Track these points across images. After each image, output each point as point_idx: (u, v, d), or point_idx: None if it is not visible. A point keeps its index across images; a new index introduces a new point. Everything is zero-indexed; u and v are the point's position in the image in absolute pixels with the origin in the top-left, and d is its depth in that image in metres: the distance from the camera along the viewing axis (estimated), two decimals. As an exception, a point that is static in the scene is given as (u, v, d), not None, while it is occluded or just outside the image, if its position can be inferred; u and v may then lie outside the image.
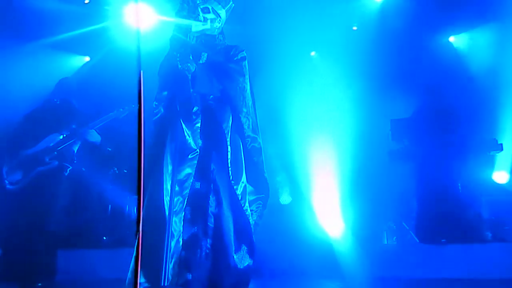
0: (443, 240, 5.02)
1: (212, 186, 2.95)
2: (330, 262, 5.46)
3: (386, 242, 6.09)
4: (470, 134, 5.44)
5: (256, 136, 3.20)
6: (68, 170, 4.54)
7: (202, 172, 2.94)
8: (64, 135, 4.58)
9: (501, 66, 5.62)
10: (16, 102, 4.91)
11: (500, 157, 5.72)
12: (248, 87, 3.23)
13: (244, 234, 2.97)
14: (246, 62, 3.23)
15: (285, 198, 6.19)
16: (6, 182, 4.34)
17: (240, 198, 2.99)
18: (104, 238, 5.48)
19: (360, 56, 6.11)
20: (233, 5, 3.31)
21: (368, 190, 6.00)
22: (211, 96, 3.14)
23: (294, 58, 6.37)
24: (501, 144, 5.57)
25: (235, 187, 2.97)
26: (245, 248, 2.97)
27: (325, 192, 6.00)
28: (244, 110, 3.15)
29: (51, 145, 4.51)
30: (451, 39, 6.25)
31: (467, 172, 5.36)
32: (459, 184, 5.32)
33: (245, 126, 3.14)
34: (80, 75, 5.98)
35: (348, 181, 6.02)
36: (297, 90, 6.25)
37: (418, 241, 5.45)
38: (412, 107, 5.96)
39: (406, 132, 5.83)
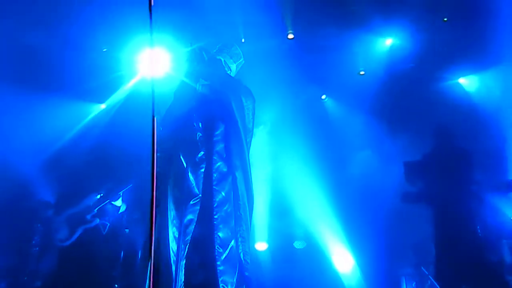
0: (464, 286, 4.83)
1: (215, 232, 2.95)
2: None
3: (405, 289, 5.87)
4: (486, 176, 5.36)
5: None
6: (107, 227, 5.09)
7: (204, 218, 2.98)
8: (101, 194, 5.14)
9: (512, 107, 5.61)
10: (37, 147, 5.15)
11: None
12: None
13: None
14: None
15: (299, 243, 6.08)
16: (56, 239, 4.91)
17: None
18: (116, 286, 5.45)
19: (370, 99, 6.17)
20: (244, 62, 3.48)
21: (383, 234, 5.86)
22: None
23: (306, 100, 6.45)
24: (517, 185, 5.46)
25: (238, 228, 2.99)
26: None
27: (340, 237, 5.89)
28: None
29: (91, 204, 5.06)
30: (461, 80, 6.29)
31: (485, 215, 5.23)
32: (478, 227, 5.19)
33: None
34: (96, 122, 6.12)
35: (363, 225, 5.91)
36: (309, 132, 6.29)
37: (438, 287, 5.26)
38: (424, 149, 5.94)
39: (420, 175, 5.76)
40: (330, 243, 5.90)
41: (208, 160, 3.07)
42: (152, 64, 3.20)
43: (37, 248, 5.08)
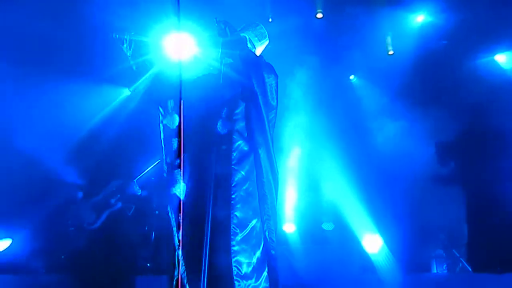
0: (498, 268, 4.73)
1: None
2: (376, 291, 5.30)
3: (435, 271, 5.81)
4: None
5: None
6: (132, 209, 5.44)
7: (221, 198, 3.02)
8: (123, 181, 5.47)
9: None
10: (66, 130, 5.33)
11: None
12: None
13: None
14: None
15: (328, 225, 6.09)
16: (85, 223, 5.27)
17: None
18: (148, 265, 5.61)
19: (400, 78, 6.02)
20: (268, 42, 3.41)
21: (414, 216, 5.79)
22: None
23: (334, 81, 6.36)
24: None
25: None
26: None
27: (370, 219, 5.86)
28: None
29: (114, 189, 5.43)
30: (497, 57, 6.04)
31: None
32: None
33: None
34: (123, 107, 6.22)
35: (393, 206, 5.84)
36: (337, 113, 6.21)
37: (470, 269, 5.18)
38: (456, 129, 5.78)
39: (453, 155, 5.63)
40: (359, 224, 5.88)
41: (228, 139, 3.02)
42: (178, 48, 3.20)
43: (72, 228, 5.32)
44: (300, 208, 6.08)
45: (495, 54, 6.03)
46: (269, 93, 3.08)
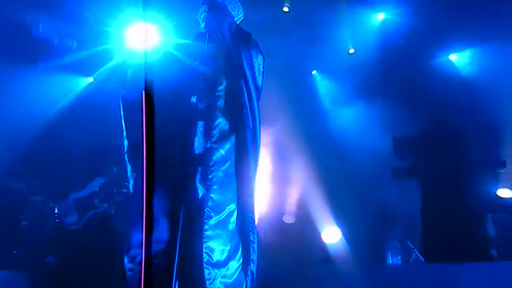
0: (448, 259, 4.96)
1: None
2: (332, 282, 5.42)
3: (390, 262, 6.02)
4: (474, 151, 5.43)
5: None
6: (113, 209, 5.12)
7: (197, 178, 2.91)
8: (107, 179, 5.15)
9: (502, 84, 5.64)
10: (22, 122, 5.02)
11: (504, 173, 5.70)
12: None
13: None
14: None
15: (288, 217, 6.16)
16: (66, 223, 4.97)
17: None
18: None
19: (361, 74, 6.15)
20: (243, 18, 3.27)
21: (371, 208, 5.96)
22: None
23: (295, 75, 6.40)
24: (505, 161, 5.56)
25: None
26: None
27: (327, 210, 5.96)
28: None
29: (97, 189, 5.11)
30: (451, 57, 6.30)
31: (473, 190, 5.33)
32: (465, 202, 5.30)
33: None
34: (84, 96, 6.01)
35: (351, 199, 5.99)
36: (298, 107, 6.27)
37: (423, 260, 5.40)
38: (414, 125, 5.98)
39: (410, 150, 5.83)
40: (319, 216, 5.97)
41: (206, 114, 2.81)
42: (143, 37, 3.08)
43: (25, 223, 5.06)
44: (262, 200, 6.11)
45: (450, 54, 6.28)
46: (256, 73, 2.97)
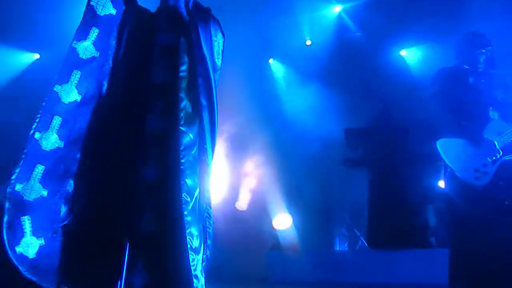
0: (392, 246, 5.20)
1: None
2: (281, 268, 5.55)
3: (338, 249, 6.23)
4: (419, 144, 5.68)
5: None
6: None
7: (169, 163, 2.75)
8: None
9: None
10: None
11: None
12: None
13: None
14: None
15: (240, 205, 6.21)
16: None
17: None
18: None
19: (316, 64, 6.25)
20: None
21: (321, 197, 6.12)
22: None
23: (252, 63, 6.39)
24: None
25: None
26: None
27: (277, 197, 6.05)
28: None
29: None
30: (403, 52, 6.52)
31: (415, 181, 5.59)
32: (408, 193, 5.55)
33: None
34: (30, 74, 5.69)
35: (301, 187, 6.12)
36: (254, 94, 6.28)
37: (367, 246, 5.63)
38: (365, 116, 6.17)
39: (360, 141, 6.02)
40: (271, 203, 6.06)
41: (169, 93, 2.61)
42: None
43: None
44: (216, 186, 6.11)
45: (401, 49, 6.51)
46: (215, 53, 2.78)
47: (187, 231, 2.39)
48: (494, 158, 3.28)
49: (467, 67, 3.55)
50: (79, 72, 2.52)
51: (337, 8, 6.46)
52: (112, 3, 2.72)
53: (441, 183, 5.97)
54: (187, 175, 2.48)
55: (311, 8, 6.37)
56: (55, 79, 2.49)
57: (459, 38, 3.73)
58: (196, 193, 2.52)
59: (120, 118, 2.60)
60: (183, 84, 2.64)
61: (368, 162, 5.86)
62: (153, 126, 2.54)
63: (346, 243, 6.18)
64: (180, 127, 2.54)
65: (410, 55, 6.48)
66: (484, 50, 3.50)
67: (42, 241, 2.32)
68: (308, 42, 6.49)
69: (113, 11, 2.72)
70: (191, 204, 2.45)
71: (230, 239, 5.39)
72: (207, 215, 2.56)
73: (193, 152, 2.56)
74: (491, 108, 3.48)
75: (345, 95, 6.09)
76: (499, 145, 3.30)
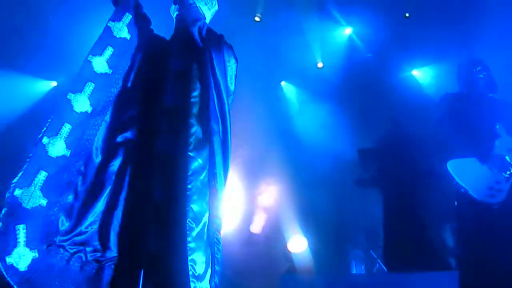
0: (410, 269, 5.09)
1: None
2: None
3: (354, 272, 6.12)
4: (433, 163, 5.62)
5: None
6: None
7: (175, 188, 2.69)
8: None
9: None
10: None
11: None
12: None
13: None
14: None
15: (255, 228, 6.17)
16: None
17: None
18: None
19: (328, 87, 6.28)
20: (218, 9, 3.21)
21: (336, 218, 6.06)
22: None
23: (264, 85, 6.45)
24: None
25: None
26: None
27: (291, 219, 6.01)
28: None
29: None
30: (414, 72, 6.53)
31: (432, 200, 5.51)
32: (425, 212, 5.47)
33: None
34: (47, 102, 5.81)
35: (315, 209, 6.06)
36: (267, 116, 6.31)
37: (386, 269, 5.52)
38: (378, 136, 6.15)
39: (374, 161, 5.98)
40: (285, 226, 6.01)
41: (180, 119, 2.61)
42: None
43: None
44: (228, 209, 6.10)
45: (413, 69, 6.52)
46: (228, 78, 2.84)
47: (189, 258, 2.35)
48: (508, 173, 3.23)
49: (469, 91, 3.59)
50: (92, 84, 2.58)
51: (348, 30, 6.54)
52: (127, 28, 2.82)
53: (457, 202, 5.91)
54: (193, 200, 2.47)
55: (322, 31, 6.45)
56: (69, 88, 2.54)
57: (459, 64, 3.79)
58: (205, 219, 2.49)
59: (128, 139, 2.65)
60: (195, 109, 2.67)
61: (382, 182, 5.81)
62: (161, 149, 2.55)
63: (363, 266, 6.07)
64: (189, 152, 2.55)
65: (422, 75, 6.49)
66: (481, 75, 3.56)
67: (35, 254, 2.22)
68: (320, 65, 6.54)
69: (128, 36, 2.82)
70: (196, 230, 2.43)
71: (244, 262, 5.35)
72: (216, 240, 2.53)
73: (201, 178, 2.55)
74: (498, 126, 3.46)
75: (357, 115, 6.10)
76: (510, 159, 3.27)
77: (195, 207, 2.47)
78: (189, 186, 2.47)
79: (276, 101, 6.76)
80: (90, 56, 2.62)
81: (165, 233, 2.42)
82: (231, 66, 2.90)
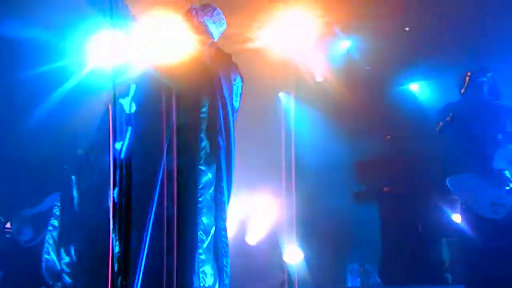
0: (405, 283, 5.08)
1: None
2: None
3: (350, 285, 6.09)
4: (432, 177, 5.63)
5: None
6: None
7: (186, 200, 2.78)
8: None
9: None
10: None
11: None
12: None
13: None
14: None
15: (250, 239, 6.14)
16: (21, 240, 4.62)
17: None
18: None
19: (326, 99, 6.30)
20: (226, 27, 3.25)
21: (332, 231, 6.04)
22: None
23: (263, 96, 6.46)
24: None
25: None
26: None
27: (287, 231, 5.98)
28: None
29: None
30: (411, 86, 6.57)
31: (429, 214, 5.51)
32: (421, 226, 5.47)
33: None
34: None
35: (312, 221, 6.05)
36: (265, 127, 6.31)
37: (381, 283, 5.50)
38: (375, 149, 6.16)
39: (372, 174, 5.99)
40: (280, 237, 5.98)
41: (194, 138, 2.72)
42: (110, 52, 2.93)
43: None
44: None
45: (410, 83, 6.56)
46: (234, 96, 2.97)
47: (201, 270, 2.39)
48: (508, 188, 3.23)
49: (471, 99, 3.59)
50: None
51: (346, 44, 6.57)
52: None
53: (456, 217, 5.90)
54: (204, 213, 2.56)
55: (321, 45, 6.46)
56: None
57: (462, 74, 3.81)
58: (212, 231, 2.55)
59: (140, 156, 2.67)
60: (203, 125, 2.77)
61: (380, 195, 5.81)
62: (172, 164, 2.61)
63: (359, 279, 6.04)
64: (200, 166, 2.64)
65: (420, 89, 6.53)
66: (485, 79, 3.56)
67: None
68: (320, 79, 6.57)
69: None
70: (206, 243, 2.52)
71: (239, 273, 5.29)
72: (223, 253, 2.56)
73: (210, 191, 2.65)
74: (500, 136, 3.47)
75: (355, 128, 6.11)
76: (511, 173, 3.27)
77: (205, 219, 2.56)
78: (200, 199, 2.56)
79: (275, 113, 6.76)
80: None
81: (177, 246, 2.47)
82: (237, 84, 3.03)
